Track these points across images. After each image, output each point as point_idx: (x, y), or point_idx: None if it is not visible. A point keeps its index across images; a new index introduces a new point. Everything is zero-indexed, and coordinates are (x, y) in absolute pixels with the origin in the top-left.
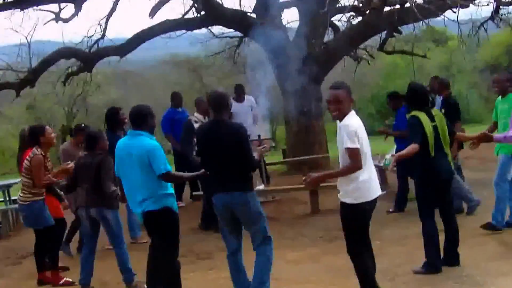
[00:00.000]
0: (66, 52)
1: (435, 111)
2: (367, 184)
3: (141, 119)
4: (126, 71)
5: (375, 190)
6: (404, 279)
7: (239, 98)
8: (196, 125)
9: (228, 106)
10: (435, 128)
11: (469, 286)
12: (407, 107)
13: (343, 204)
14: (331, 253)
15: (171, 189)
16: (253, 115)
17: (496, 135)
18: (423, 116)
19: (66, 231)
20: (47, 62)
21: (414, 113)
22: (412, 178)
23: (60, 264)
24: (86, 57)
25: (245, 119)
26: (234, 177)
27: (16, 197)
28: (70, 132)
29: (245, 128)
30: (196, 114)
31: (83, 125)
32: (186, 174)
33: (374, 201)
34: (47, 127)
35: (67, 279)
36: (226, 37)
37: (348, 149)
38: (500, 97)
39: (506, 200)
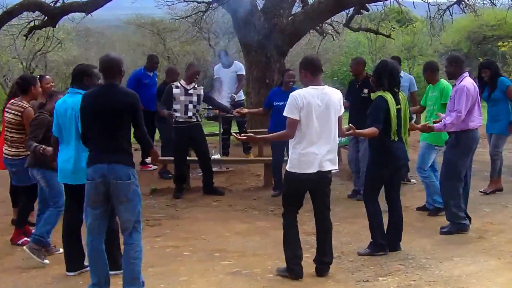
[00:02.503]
0: (31, 4)
1: (401, 94)
2: (302, 157)
3: (75, 77)
4: (88, 29)
5: (310, 166)
6: (350, 257)
7: (224, 63)
8: (176, 91)
9: (121, 71)
10: (398, 111)
11: (414, 269)
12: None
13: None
14: (280, 228)
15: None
16: (239, 80)
17: (436, 125)
18: (390, 98)
19: None
20: (10, 13)
21: (380, 93)
22: None
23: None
24: (51, 11)
25: (229, 84)
26: (119, 148)
27: None
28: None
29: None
30: (181, 80)
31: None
32: None
33: (310, 175)
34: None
35: (26, 239)
36: (193, 1)
37: (286, 117)
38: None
39: (435, 184)
